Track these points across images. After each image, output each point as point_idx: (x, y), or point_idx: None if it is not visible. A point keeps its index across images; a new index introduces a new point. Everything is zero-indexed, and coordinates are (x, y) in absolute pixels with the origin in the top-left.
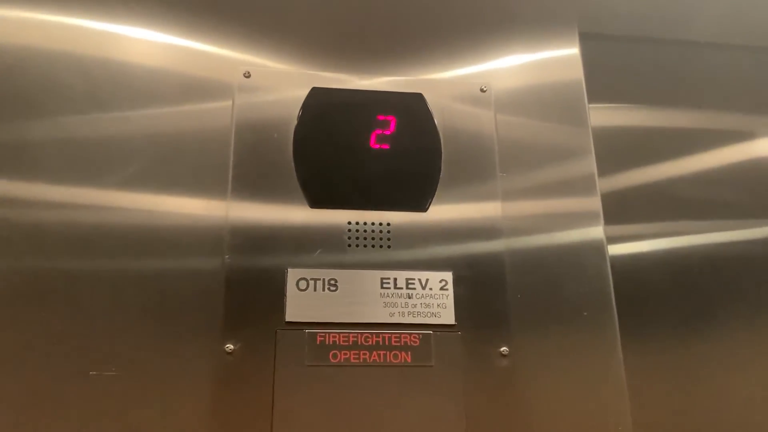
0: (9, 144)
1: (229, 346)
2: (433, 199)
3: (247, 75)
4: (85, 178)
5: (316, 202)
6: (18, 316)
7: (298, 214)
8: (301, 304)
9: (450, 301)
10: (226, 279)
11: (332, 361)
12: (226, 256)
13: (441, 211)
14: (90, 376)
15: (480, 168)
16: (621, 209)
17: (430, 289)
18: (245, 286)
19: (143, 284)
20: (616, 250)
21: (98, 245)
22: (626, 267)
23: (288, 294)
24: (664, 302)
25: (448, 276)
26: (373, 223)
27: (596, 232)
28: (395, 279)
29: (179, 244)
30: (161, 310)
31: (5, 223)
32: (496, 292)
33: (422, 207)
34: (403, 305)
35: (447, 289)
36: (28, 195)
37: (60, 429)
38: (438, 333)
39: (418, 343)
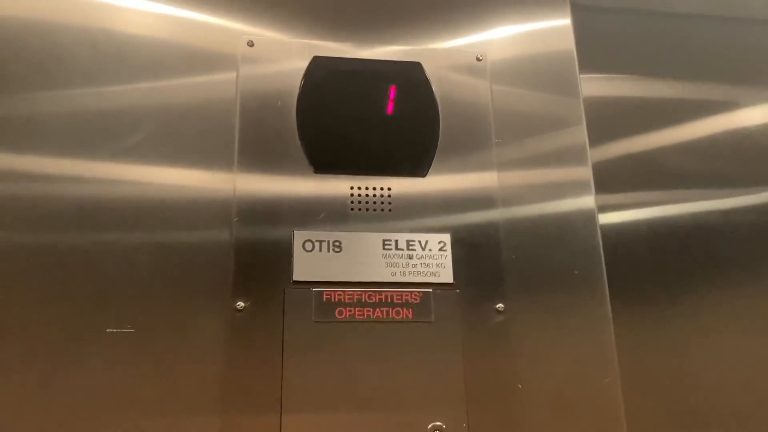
0: (14, 117)
1: (240, 304)
2: (432, 165)
3: (251, 44)
4: (91, 151)
5: (320, 168)
6: (36, 282)
7: (303, 180)
8: (308, 264)
9: (448, 261)
10: (236, 241)
11: (338, 317)
12: (235, 219)
13: (439, 177)
14: (107, 333)
15: (476, 135)
16: (612, 179)
17: (430, 250)
18: (254, 248)
19: (156, 251)
20: (606, 219)
21: (108, 217)
22: (617, 235)
23: (295, 255)
24: (653, 269)
25: (446, 238)
26: (374, 188)
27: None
28: (396, 241)
29: (190, 209)
30: (174, 273)
31: (14, 197)
32: (491, 253)
33: (421, 173)
34: (404, 265)
35: (445, 250)
36: (34, 168)
37: (78, 381)
38: (437, 291)
39: (418, 301)
